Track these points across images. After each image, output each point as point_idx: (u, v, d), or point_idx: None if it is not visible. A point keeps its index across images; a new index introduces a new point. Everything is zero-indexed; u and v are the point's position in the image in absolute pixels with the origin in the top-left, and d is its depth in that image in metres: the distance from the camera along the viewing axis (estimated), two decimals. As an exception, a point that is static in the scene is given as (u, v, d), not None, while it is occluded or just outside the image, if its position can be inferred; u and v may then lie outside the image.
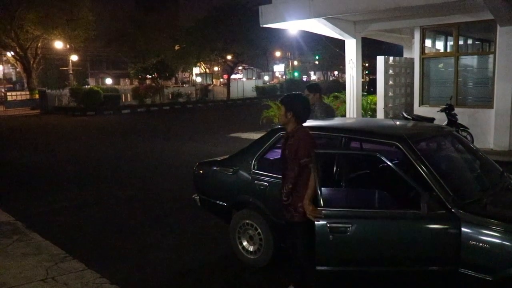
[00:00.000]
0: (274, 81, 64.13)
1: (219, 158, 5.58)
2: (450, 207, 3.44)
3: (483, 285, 3.26)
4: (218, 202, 5.15)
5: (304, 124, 3.88)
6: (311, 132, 3.89)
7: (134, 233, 6.11)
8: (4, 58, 46.20)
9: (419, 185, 3.49)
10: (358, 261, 3.70)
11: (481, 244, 3.27)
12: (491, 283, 3.21)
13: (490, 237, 3.26)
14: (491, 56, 11.10)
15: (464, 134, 10.12)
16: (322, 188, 3.64)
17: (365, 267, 3.71)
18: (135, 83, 44.02)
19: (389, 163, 3.59)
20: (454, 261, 3.37)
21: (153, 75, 36.85)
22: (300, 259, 3.80)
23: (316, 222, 3.58)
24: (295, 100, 3.84)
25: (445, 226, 3.43)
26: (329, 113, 6.14)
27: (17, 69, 44.96)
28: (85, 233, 6.16)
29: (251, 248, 4.81)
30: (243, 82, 51.46)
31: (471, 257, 3.30)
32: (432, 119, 10.03)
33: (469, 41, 13.09)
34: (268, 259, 4.66)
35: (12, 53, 36.32)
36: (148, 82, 38.85)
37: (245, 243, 4.86)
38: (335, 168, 4.25)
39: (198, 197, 5.49)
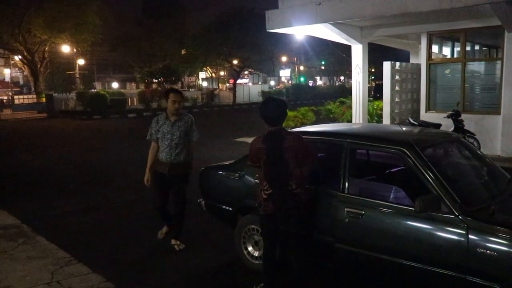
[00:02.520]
0: (280, 86, 64.12)
1: (225, 163, 5.58)
2: (457, 214, 3.42)
3: (491, 293, 3.22)
4: (224, 206, 5.15)
5: (311, 129, 4.00)
6: (317, 137, 4.22)
7: (139, 237, 6.10)
8: (12, 62, 46.54)
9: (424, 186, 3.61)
10: (367, 244, 3.85)
11: (488, 251, 3.23)
12: (499, 291, 3.18)
13: (498, 244, 3.22)
14: (499, 62, 11.04)
15: (471, 140, 10.06)
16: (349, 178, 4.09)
17: (372, 252, 3.81)
18: (141, 87, 44.14)
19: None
20: (461, 268, 3.34)
21: (160, 79, 36.95)
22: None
23: (336, 206, 4.03)
24: (263, 104, 4.12)
25: (452, 233, 3.41)
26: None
27: (25, 73, 45.22)
28: (90, 237, 6.16)
29: (256, 254, 4.79)
30: (249, 86, 51.49)
31: (478, 265, 3.27)
32: (438, 125, 9.98)
33: (476, 47, 13.03)
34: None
35: (20, 57, 36.58)
36: (154, 86, 38.96)
37: (250, 248, 4.85)
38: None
39: (203, 201, 5.49)
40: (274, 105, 4.06)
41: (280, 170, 3.93)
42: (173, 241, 5.52)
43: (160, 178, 5.39)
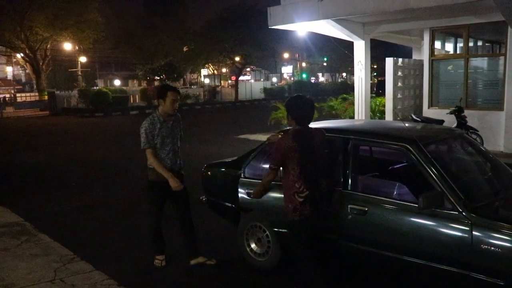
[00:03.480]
0: (282, 82, 64.05)
1: (227, 160, 5.56)
2: (461, 210, 3.40)
3: (495, 290, 3.21)
4: (226, 203, 5.14)
5: (313, 126, 3.92)
6: None
7: (142, 235, 6.09)
8: (14, 60, 46.60)
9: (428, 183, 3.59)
10: (370, 241, 3.83)
11: (492, 248, 3.22)
12: (503, 288, 3.16)
13: (502, 241, 3.20)
14: (502, 58, 11.00)
15: (474, 136, 10.02)
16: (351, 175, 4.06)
17: (375, 249, 3.80)
18: (143, 84, 44.15)
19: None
20: (465, 264, 3.33)
21: (161, 77, 36.95)
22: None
23: (339, 203, 3.95)
24: (293, 103, 3.87)
25: (456, 229, 3.40)
26: None
27: (27, 71, 45.29)
28: (93, 234, 6.16)
29: (259, 251, 4.78)
30: (251, 83, 51.50)
31: (482, 261, 3.25)
32: (441, 121, 9.95)
33: (479, 43, 12.99)
34: (276, 262, 4.63)
35: (22, 54, 36.60)
36: (156, 83, 38.94)
37: (253, 245, 4.83)
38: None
39: (206, 198, 5.48)
40: (304, 103, 3.85)
41: (313, 169, 3.79)
42: (201, 259, 4.95)
43: (163, 190, 4.77)
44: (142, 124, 4.73)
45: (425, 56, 12.22)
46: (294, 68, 68.89)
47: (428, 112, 11.96)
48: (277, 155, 3.79)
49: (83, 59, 44.18)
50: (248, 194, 4.68)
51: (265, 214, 4.62)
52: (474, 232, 3.30)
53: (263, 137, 12.51)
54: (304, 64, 66.08)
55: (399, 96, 12.75)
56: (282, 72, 73.31)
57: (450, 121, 10.28)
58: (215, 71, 58.17)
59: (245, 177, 4.85)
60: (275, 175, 3.90)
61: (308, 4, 11.12)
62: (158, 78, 37.61)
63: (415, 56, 15.43)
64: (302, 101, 3.87)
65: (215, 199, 5.35)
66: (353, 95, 14.24)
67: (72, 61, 43.47)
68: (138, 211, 7.26)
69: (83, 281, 4.58)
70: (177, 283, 4.67)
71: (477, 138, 10.10)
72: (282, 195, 3.94)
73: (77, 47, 40.14)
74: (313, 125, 4.71)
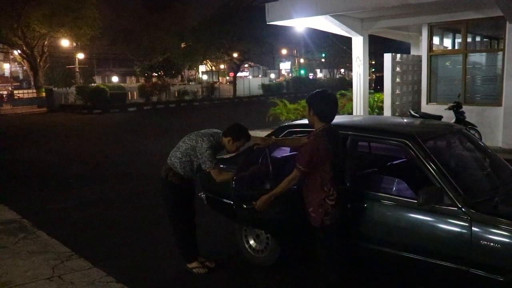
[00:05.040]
0: (280, 79, 64.00)
1: (225, 156, 5.53)
2: (460, 206, 3.39)
3: (494, 286, 3.20)
4: (225, 200, 5.11)
5: (305, 122, 3.83)
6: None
7: (140, 231, 6.10)
8: (11, 57, 46.44)
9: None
10: (368, 238, 3.81)
11: (492, 244, 3.20)
12: (502, 284, 3.15)
13: (501, 237, 3.19)
14: (500, 53, 10.98)
15: (472, 132, 10.01)
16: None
17: (374, 245, 3.77)
18: (141, 81, 44.02)
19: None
20: (464, 260, 3.31)
21: (159, 73, 36.89)
22: (322, 265, 3.71)
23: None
24: (316, 97, 3.66)
25: (455, 225, 3.39)
26: None
27: (24, 67, 45.15)
28: (91, 231, 6.15)
29: (257, 247, 4.78)
30: (249, 80, 51.40)
31: (482, 257, 3.24)
32: (440, 117, 9.94)
33: (478, 39, 12.96)
34: (274, 259, 4.62)
35: (19, 51, 36.43)
36: (154, 80, 38.87)
37: (251, 242, 4.83)
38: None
39: (204, 195, 5.46)
40: (329, 98, 3.64)
41: (339, 170, 3.75)
42: (201, 259, 4.86)
43: (185, 192, 4.74)
44: (206, 144, 4.45)
45: (423, 52, 12.19)
46: (292, 64, 68.75)
47: (427, 107, 11.95)
48: (312, 157, 3.47)
49: (80, 55, 44.03)
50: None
51: None
52: (473, 228, 3.29)
53: (261, 133, 12.49)
54: (302, 60, 65.93)
55: (397, 92, 12.74)
56: (280, 68, 73.20)
57: (449, 116, 10.27)
58: (213, 68, 58.09)
59: None
60: (301, 179, 3.63)
61: (306, 0, 11.09)
62: (156, 74, 37.53)
63: (413, 51, 15.42)
64: (326, 96, 3.65)
65: (214, 195, 5.32)
66: (351, 91, 14.23)
67: (69, 58, 43.31)
68: (136, 207, 7.25)
69: (81, 278, 4.57)
70: (176, 279, 4.66)
71: (476, 134, 10.09)
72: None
73: (74, 44, 39.97)
74: (304, 121, 4.67)
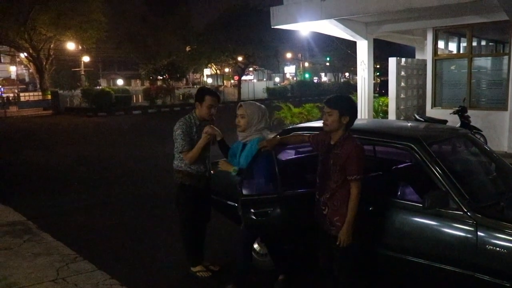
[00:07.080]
0: (285, 82, 64.05)
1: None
2: (466, 210, 3.37)
3: (500, 291, 3.17)
4: (229, 202, 5.11)
5: (316, 125, 3.82)
6: (319, 132, 3.85)
7: (144, 234, 6.10)
8: (18, 59, 46.64)
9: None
10: (373, 241, 3.77)
11: (498, 248, 3.18)
12: (508, 289, 3.13)
13: (507, 241, 3.17)
14: (506, 57, 10.95)
15: (478, 136, 9.97)
16: None
17: (378, 249, 3.74)
18: (146, 84, 44.19)
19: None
20: (470, 265, 3.29)
21: (164, 76, 37.01)
22: (340, 278, 3.55)
23: None
24: (348, 103, 3.55)
25: (461, 229, 3.37)
26: None
27: (30, 70, 45.31)
28: (96, 234, 6.16)
29: (262, 251, 4.76)
30: (254, 83, 51.52)
31: (487, 262, 3.22)
32: (444, 121, 9.90)
33: (483, 43, 12.93)
34: (279, 262, 4.59)
35: (25, 54, 36.64)
36: (159, 83, 38.98)
37: (255, 245, 4.81)
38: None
39: (209, 197, 5.45)
40: (356, 104, 3.60)
41: (322, 177, 3.68)
42: (205, 263, 4.83)
43: (196, 193, 4.63)
44: (177, 126, 4.52)
45: (428, 56, 12.16)
46: (297, 68, 68.86)
47: (431, 112, 11.91)
48: (363, 162, 3.41)
49: (86, 58, 44.24)
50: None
51: None
52: (479, 233, 3.27)
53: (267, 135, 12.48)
54: (306, 64, 66.02)
55: (402, 96, 12.71)
56: (285, 72, 73.32)
57: (454, 121, 10.23)
58: (218, 71, 58.20)
59: None
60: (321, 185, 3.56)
61: (311, 4, 11.09)
62: (161, 77, 37.63)
63: (418, 55, 15.39)
64: (353, 101, 3.61)
65: (218, 198, 5.31)
66: (356, 95, 14.21)
67: (75, 60, 43.50)
68: (140, 210, 7.26)
69: (85, 281, 4.57)
70: (180, 283, 4.66)
71: (481, 138, 10.05)
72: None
73: (80, 47, 40.17)
74: (315, 124, 4.67)
